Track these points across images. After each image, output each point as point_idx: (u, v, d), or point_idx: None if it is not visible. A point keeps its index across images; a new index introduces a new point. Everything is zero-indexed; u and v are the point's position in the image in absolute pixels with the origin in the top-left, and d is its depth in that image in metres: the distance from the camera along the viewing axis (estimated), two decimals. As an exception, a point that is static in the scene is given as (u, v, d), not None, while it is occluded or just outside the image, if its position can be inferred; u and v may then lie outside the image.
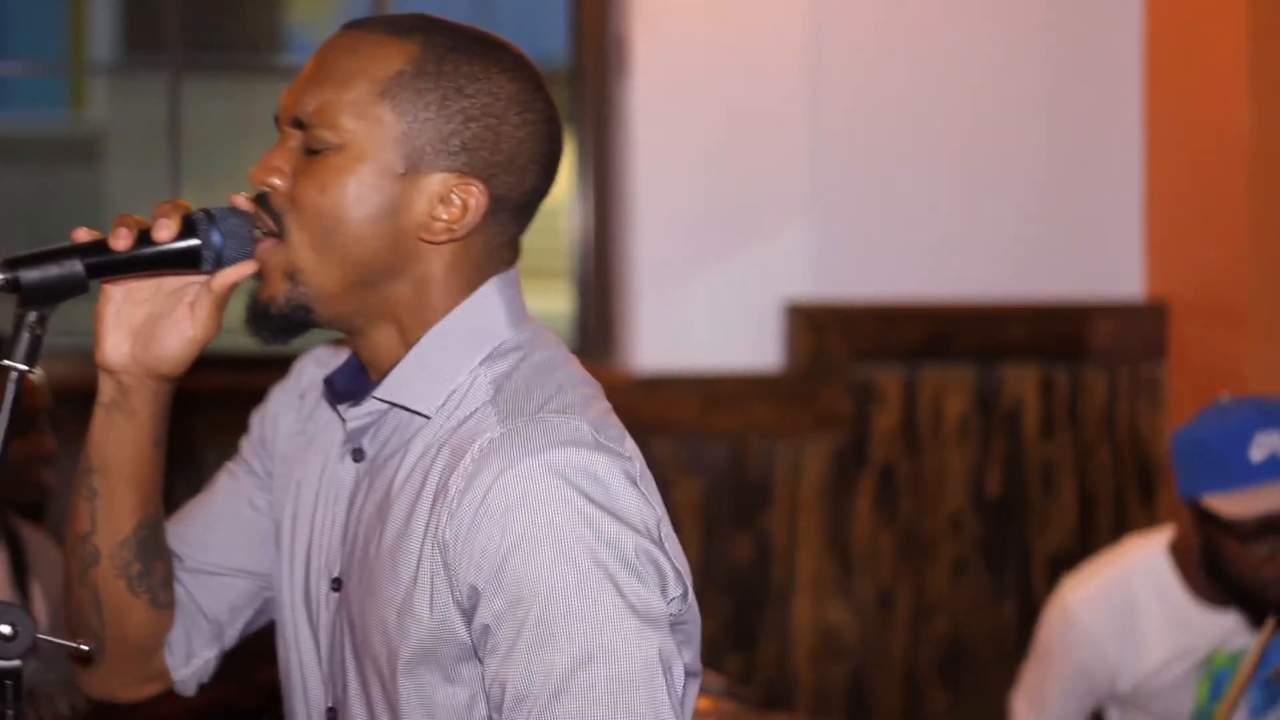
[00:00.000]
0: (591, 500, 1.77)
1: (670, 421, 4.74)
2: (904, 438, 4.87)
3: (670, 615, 1.81)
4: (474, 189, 1.86)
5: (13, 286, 1.80)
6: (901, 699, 4.91)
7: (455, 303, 1.90)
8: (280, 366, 2.18)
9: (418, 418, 1.90)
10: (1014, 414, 4.92)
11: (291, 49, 5.92)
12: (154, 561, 2.02)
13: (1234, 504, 3.38)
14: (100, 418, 1.95)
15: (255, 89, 5.82)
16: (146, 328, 1.92)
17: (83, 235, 1.86)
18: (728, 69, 4.76)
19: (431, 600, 1.81)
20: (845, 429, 4.84)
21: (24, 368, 1.80)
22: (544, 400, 1.84)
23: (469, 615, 1.80)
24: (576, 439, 1.80)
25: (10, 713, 1.76)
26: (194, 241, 1.87)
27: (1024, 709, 3.80)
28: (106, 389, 1.94)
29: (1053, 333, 4.91)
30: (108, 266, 1.86)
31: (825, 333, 4.79)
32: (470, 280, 1.91)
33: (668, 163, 4.75)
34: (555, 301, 4.97)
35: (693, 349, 4.78)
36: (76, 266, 1.83)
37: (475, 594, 1.79)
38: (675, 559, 1.84)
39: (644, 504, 1.82)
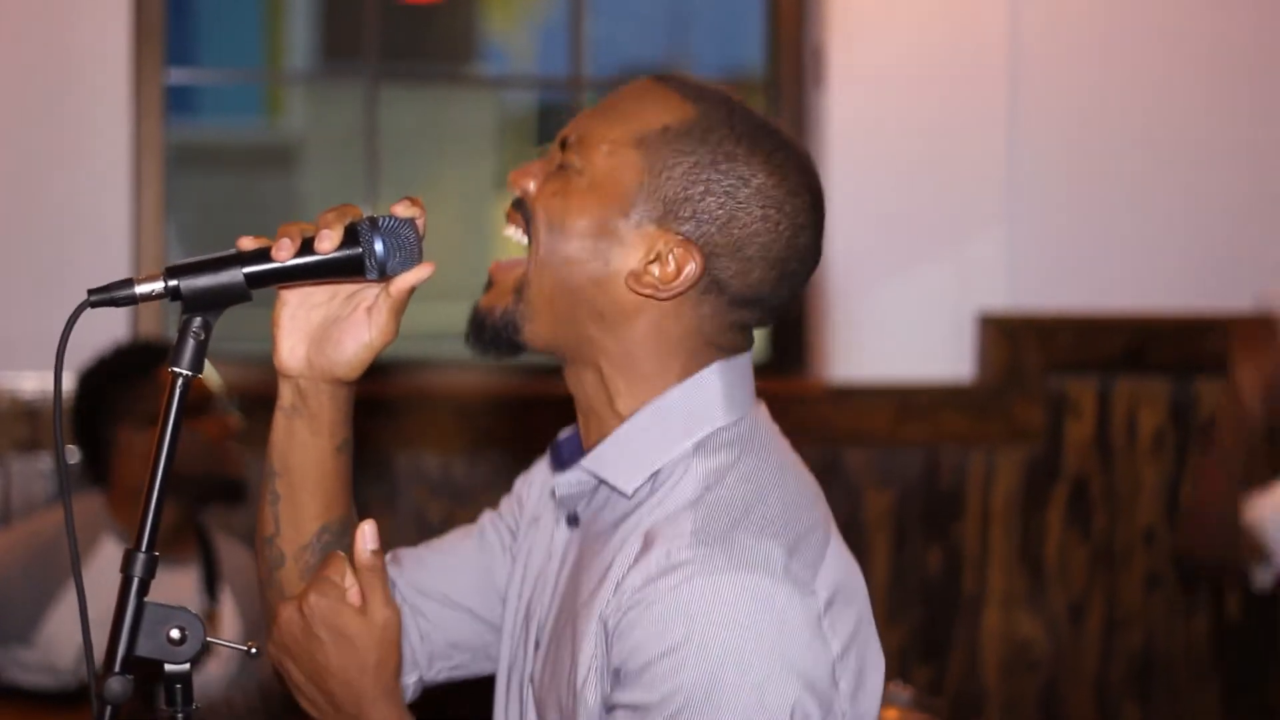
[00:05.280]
0: (759, 635, 1.75)
1: (862, 432, 4.74)
2: (1098, 450, 4.83)
3: None
4: (691, 258, 1.85)
5: (174, 294, 1.80)
6: (1092, 712, 4.87)
7: (660, 371, 1.89)
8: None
9: (626, 497, 1.89)
10: (1210, 427, 4.86)
11: (487, 59, 5.97)
12: None
13: None
14: (280, 422, 1.96)
15: (451, 98, 5.87)
16: (322, 332, 1.93)
17: (247, 243, 1.85)
18: (924, 79, 4.75)
19: (597, 684, 1.82)
20: (1038, 441, 4.81)
21: (188, 372, 1.80)
22: (743, 513, 1.81)
23: (610, 690, 1.80)
24: (765, 564, 1.77)
25: (180, 715, 1.79)
26: (355, 250, 1.86)
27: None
28: (286, 394, 1.95)
29: (1250, 345, 4.84)
30: (268, 276, 1.84)
31: (1019, 344, 4.77)
32: (676, 354, 1.89)
33: (863, 173, 4.75)
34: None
35: (886, 359, 4.77)
36: (237, 276, 1.82)
37: (618, 677, 1.78)
38: (840, 697, 1.80)
39: (819, 647, 1.78)
